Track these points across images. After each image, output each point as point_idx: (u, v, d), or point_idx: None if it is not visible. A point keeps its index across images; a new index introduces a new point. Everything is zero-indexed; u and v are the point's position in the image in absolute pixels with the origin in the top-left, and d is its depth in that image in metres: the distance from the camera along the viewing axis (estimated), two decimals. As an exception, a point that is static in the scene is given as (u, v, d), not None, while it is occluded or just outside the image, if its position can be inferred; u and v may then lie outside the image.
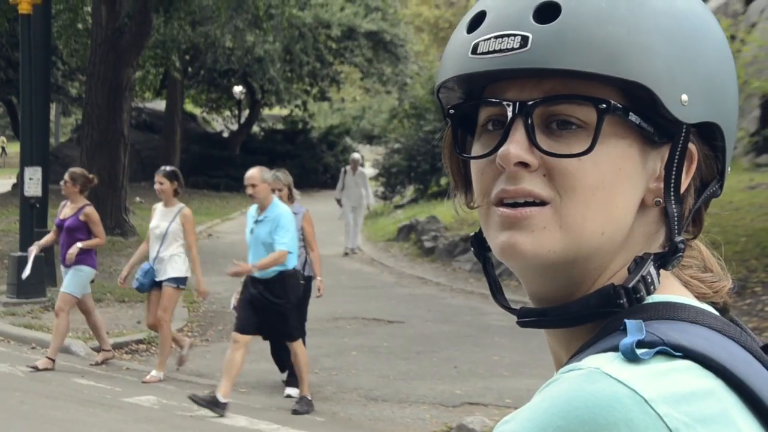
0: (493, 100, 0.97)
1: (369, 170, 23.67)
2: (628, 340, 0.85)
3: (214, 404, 7.49)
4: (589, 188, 0.93)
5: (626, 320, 0.88)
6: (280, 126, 40.33)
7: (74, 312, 11.84)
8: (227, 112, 41.18)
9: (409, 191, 25.87)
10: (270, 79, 33.01)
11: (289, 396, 8.30)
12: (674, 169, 0.96)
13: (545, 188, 0.93)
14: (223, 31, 27.57)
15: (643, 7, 0.93)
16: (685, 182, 0.98)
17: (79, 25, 21.80)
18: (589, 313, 0.94)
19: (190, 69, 34.71)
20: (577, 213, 0.93)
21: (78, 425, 7.35)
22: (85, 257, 9.31)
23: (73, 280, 9.29)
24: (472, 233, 1.08)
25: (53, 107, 36.36)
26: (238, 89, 36.53)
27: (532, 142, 0.93)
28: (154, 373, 8.87)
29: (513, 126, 0.94)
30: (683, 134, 0.95)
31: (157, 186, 8.97)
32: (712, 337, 0.89)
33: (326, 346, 10.42)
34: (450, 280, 15.07)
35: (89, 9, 20.70)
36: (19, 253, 12.24)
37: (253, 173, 7.72)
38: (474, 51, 0.95)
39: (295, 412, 7.75)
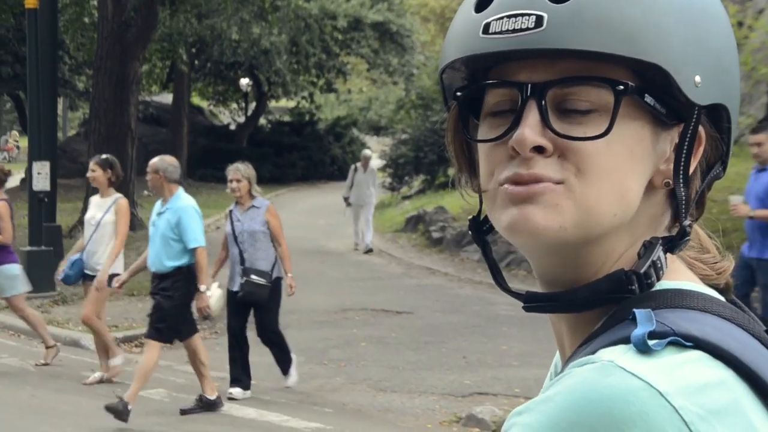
0: (506, 81, 0.95)
1: (376, 161, 23.63)
2: (639, 331, 0.84)
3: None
4: (604, 170, 0.92)
5: (635, 310, 0.88)
6: (287, 118, 40.31)
7: (77, 305, 11.88)
8: (234, 105, 41.17)
9: (417, 182, 25.85)
10: (276, 71, 32.98)
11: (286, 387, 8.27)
12: (684, 151, 0.96)
13: (559, 171, 0.92)
14: (229, 23, 27.54)
15: None
16: (693, 165, 0.97)
17: (86, 19, 21.81)
18: (598, 298, 0.94)
19: (196, 62, 34.69)
20: (591, 193, 0.92)
21: (88, 419, 7.37)
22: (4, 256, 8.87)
23: (6, 284, 8.95)
24: (470, 217, 1.07)
25: (60, 102, 36.39)
26: (244, 82, 36.51)
27: (547, 124, 0.92)
28: (113, 362, 8.50)
29: (526, 108, 0.92)
30: (695, 116, 0.95)
31: (89, 174, 8.51)
32: (721, 325, 0.89)
33: (335, 338, 10.44)
34: (458, 271, 15.08)
35: (95, 3, 20.71)
36: (29, 248, 12.27)
37: (151, 162, 7.47)
38: (485, 31, 0.93)
39: (108, 408, 7.03)
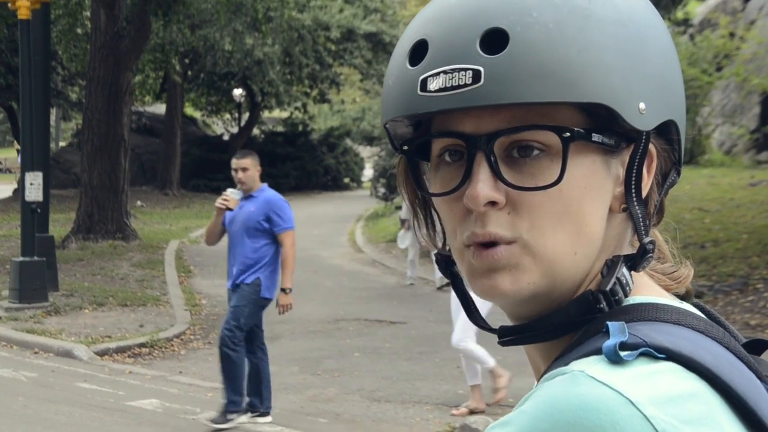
0: (452, 132, 0.93)
1: (368, 171, 23.64)
2: (610, 342, 0.84)
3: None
4: (556, 216, 0.91)
5: (608, 323, 0.87)
6: (280, 128, 40.35)
7: (78, 316, 11.86)
8: (227, 115, 41.19)
9: (410, 192, 25.87)
10: (270, 81, 33.02)
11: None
12: (634, 173, 0.95)
13: (510, 228, 0.91)
14: (222, 34, 27.59)
15: (589, 21, 0.90)
16: (647, 182, 0.97)
17: (79, 30, 21.81)
18: (570, 322, 0.94)
19: (189, 72, 34.72)
20: (547, 243, 0.91)
21: (81, 429, 7.35)
22: None
23: None
24: (434, 252, 1.07)
25: (53, 112, 36.39)
26: (237, 92, 36.54)
27: (498, 176, 0.91)
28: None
29: (476, 162, 0.91)
30: (643, 141, 0.94)
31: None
32: (695, 338, 0.89)
33: (328, 348, 10.43)
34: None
35: (88, 14, 20.71)
36: (21, 258, 12.25)
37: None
38: (423, 88, 0.91)
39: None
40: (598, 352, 0.85)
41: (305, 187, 36.21)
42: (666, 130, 0.97)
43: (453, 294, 7.31)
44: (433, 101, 0.90)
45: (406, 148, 0.99)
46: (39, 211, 12.84)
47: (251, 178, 7.28)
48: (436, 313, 12.51)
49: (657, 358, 0.84)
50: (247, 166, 7.28)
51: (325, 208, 29.29)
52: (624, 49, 0.91)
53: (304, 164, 36.43)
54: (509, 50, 0.87)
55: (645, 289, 0.97)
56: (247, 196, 7.27)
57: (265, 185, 7.37)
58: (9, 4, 13.08)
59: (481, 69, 0.88)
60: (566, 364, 0.86)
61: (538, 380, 1.01)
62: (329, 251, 19.35)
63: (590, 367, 0.82)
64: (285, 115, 40.82)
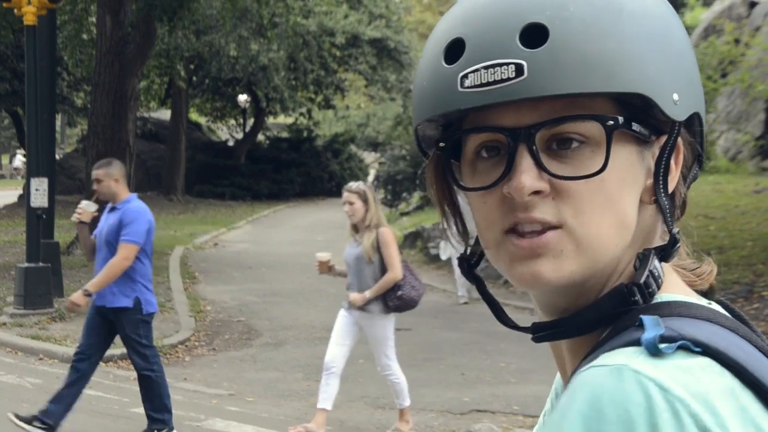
0: (493, 127, 0.94)
1: (369, 178, 23.60)
2: (649, 334, 0.85)
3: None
4: (601, 205, 0.93)
5: (642, 316, 0.89)
6: (284, 134, 40.38)
7: (83, 322, 11.86)
8: (232, 121, 41.25)
9: (415, 198, 25.87)
10: (274, 87, 33.07)
11: None
12: (663, 164, 0.97)
13: (556, 213, 0.93)
14: (227, 39, 27.64)
15: (622, 14, 0.93)
16: (675, 174, 0.99)
17: (84, 36, 21.85)
18: (604, 316, 0.95)
19: (194, 78, 34.77)
20: (591, 231, 0.93)
21: (86, 436, 7.34)
22: None
23: None
24: (458, 256, 1.08)
25: (59, 118, 36.45)
26: (242, 98, 36.59)
27: (541, 167, 0.92)
28: None
29: (518, 154, 0.93)
30: (676, 132, 0.97)
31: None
32: (726, 335, 0.90)
33: (333, 354, 10.41)
34: (456, 287, 15.05)
35: (94, 19, 20.75)
36: (26, 264, 12.25)
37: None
38: (462, 84, 0.92)
39: None
40: (634, 343, 0.86)
41: (310, 193, 36.22)
42: (690, 123, 1.00)
43: (340, 314, 7.31)
44: (476, 96, 0.92)
45: (442, 145, 1.00)
46: (44, 217, 12.86)
47: (107, 189, 6.86)
48: (440, 320, 12.50)
49: (693, 352, 0.85)
50: (100, 178, 6.87)
51: (330, 214, 29.28)
52: (656, 41, 0.94)
53: (309, 170, 36.45)
54: (550, 44, 0.90)
55: (672, 286, 0.98)
56: (112, 208, 6.93)
57: (132, 196, 6.96)
58: (15, 10, 13.12)
59: (524, 63, 0.90)
60: (597, 355, 0.88)
61: (568, 373, 1.03)
62: (334, 258, 19.33)
63: (632, 360, 0.84)
64: (290, 121, 40.86)
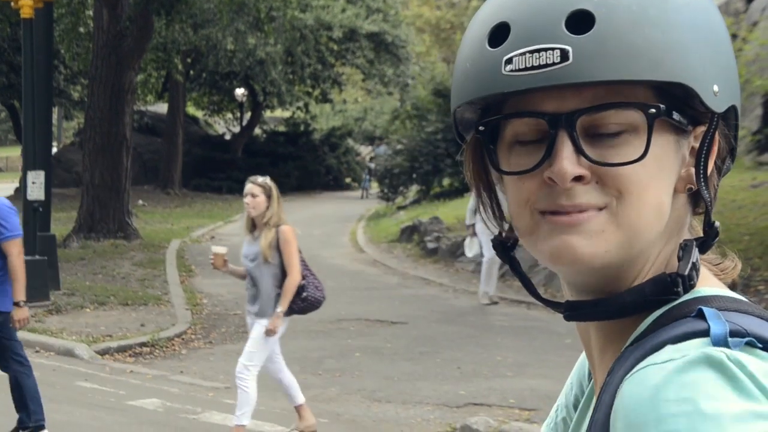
0: (535, 112, 0.94)
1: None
2: (719, 329, 0.86)
3: None
4: (642, 189, 0.93)
5: (702, 308, 0.89)
6: (282, 128, 40.36)
7: (80, 315, 11.86)
8: (229, 115, 41.21)
9: (412, 192, 25.87)
10: (272, 81, 33.03)
11: None
12: (704, 155, 0.98)
13: (601, 196, 0.93)
14: (224, 33, 27.61)
15: (667, 4, 0.93)
16: (710, 166, 0.99)
17: (81, 29, 21.81)
18: (644, 301, 0.95)
19: (191, 72, 34.73)
20: (633, 213, 0.93)
21: (82, 428, 7.36)
22: None
23: None
24: (493, 236, 1.08)
25: (55, 111, 36.40)
26: (239, 92, 36.56)
27: (582, 153, 0.92)
28: None
29: (558, 139, 0.93)
30: (715, 123, 0.97)
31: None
32: None
33: (330, 348, 10.43)
34: (453, 281, 15.07)
35: (91, 13, 20.71)
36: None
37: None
38: (507, 67, 0.92)
39: None
40: (699, 335, 0.86)
41: (307, 187, 36.21)
42: (728, 115, 1.00)
43: (247, 320, 6.90)
44: (519, 80, 0.92)
45: (482, 128, 0.99)
46: (41, 209, 12.85)
47: None
48: (437, 314, 12.51)
49: (756, 347, 0.85)
50: None
51: (327, 208, 29.29)
52: (699, 32, 0.94)
53: (306, 164, 36.44)
54: (596, 30, 0.90)
55: (706, 279, 0.99)
56: None
57: None
58: (12, 3, 13.09)
59: (569, 48, 0.90)
60: (654, 345, 0.88)
61: (593, 363, 1.04)
62: (330, 251, 19.35)
63: (708, 349, 0.84)
64: (287, 114, 40.84)
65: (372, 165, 32.23)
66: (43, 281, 12.17)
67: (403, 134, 26.27)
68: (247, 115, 38.98)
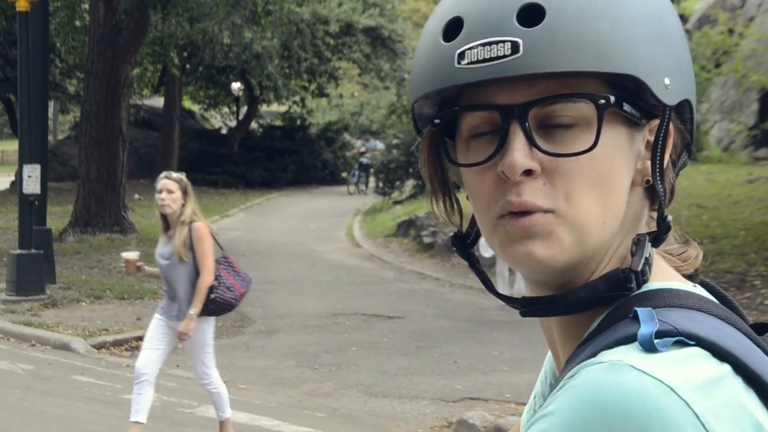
0: (487, 105, 0.96)
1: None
2: (645, 331, 0.87)
3: None
4: (590, 184, 0.94)
5: (637, 309, 0.90)
6: (278, 122, 40.29)
7: (76, 309, 11.86)
8: (225, 109, 41.14)
9: (408, 187, 25.86)
10: (268, 75, 32.98)
11: None
12: (660, 148, 0.98)
13: (547, 198, 0.94)
14: (221, 27, 27.54)
15: None
16: (666, 159, 1.00)
17: (77, 23, 21.77)
18: (597, 297, 0.96)
19: (188, 66, 34.67)
20: (581, 211, 0.94)
21: (78, 422, 7.35)
22: None
23: None
24: (451, 234, 1.10)
25: (51, 105, 36.32)
26: (236, 86, 36.49)
27: (533, 144, 0.93)
28: None
29: (510, 131, 0.94)
30: (667, 116, 0.98)
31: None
32: (718, 325, 0.91)
33: (326, 342, 10.43)
34: (449, 276, 15.07)
35: (87, 6, 20.67)
36: (18, 251, 12.23)
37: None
38: (460, 61, 0.94)
39: None
40: (630, 339, 0.87)
41: (303, 182, 36.16)
42: (681, 109, 1.01)
43: (155, 317, 6.64)
44: (472, 72, 0.93)
45: (437, 121, 1.01)
46: (37, 203, 12.83)
47: None
48: (433, 308, 12.51)
49: (687, 345, 0.87)
50: None
51: (323, 203, 29.27)
52: (650, 25, 0.95)
53: (302, 158, 36.38)
54: (546, 23, 0.91)
55: (661, 272, 0.99)
56: None
57: None
58: (7, -4, 13.05)
59: (520, 41, 0.91)
60: (595, 351, 0.89)
61: (556, 358, 1.06)
62: (327, 246, 19.35)
63: (627, 356, 0.85)
64: (283, 109, 40.77)
65: (363, 160, 32.04)
66: (39, 275, 12.16)
67: (400, 129, 26.24)
68: (244, 110, 38.91)
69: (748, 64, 16.19)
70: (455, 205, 1.08)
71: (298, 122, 38.77)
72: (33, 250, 12.24)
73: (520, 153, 0.93)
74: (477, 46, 0.93)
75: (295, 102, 38.20)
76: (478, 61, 0.92)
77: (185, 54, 32.74)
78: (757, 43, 16.39)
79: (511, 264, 0.97)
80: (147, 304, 12.40)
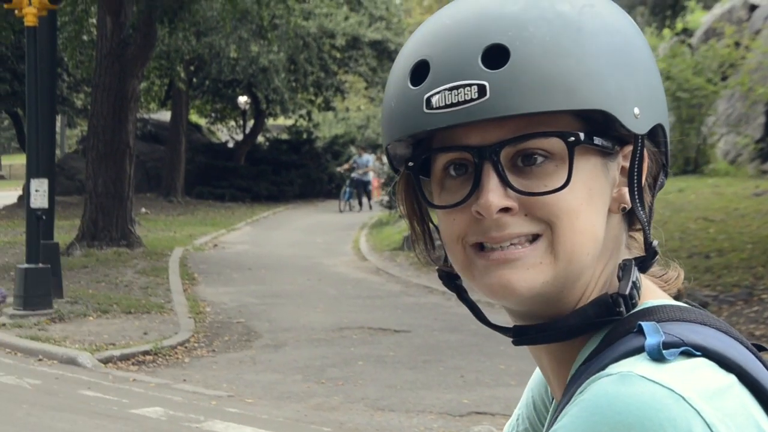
0: (459, 146, 0.96)
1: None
2: (653, 341, 0.88)
3: None
4: (573, 215, 0.95)
5: (641, 323, 0.91)
6: (284, 136, 40.35)
7: (83, 323, 11.86)
8: (232, 123, 41.23)
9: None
10: (275, 89, 33.05)
11: None
12: (636, 177, 0.99)
13: (532, 225, 0.95)
14: (227, 41, 27.64)
15: (581, 33, 0.94)
16: (642, 183, 1.01)
17: (85, 37, 21.86)
18: (587, 323, 0.97)
19: (194, 80, 34.76)
20: (567, 241, 0.95)
21: (85, 437, 7.34)
22: None
23: None
24: (437, 268, 1.10)
25: (59, 119, 36.43)
26: (242, 99, 36.57)
27: (507, 184, 0.94)
28: None
29: (483, 172, 0.94)
30: (639, 145, 0.98)
31: None
32: (721, 337, 0.93)
33: (332, 356, 10.42)
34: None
35: (94, 21, 20.76)
36: (26, 265, 12.25)
37: None
38: (428, 106, 0.94)
39: None
40: (637, 351, 0.89)
41: (309, 195, 36.20)
42: (654, 134, 1.02)
43: None
44: (441, 117, 0.93)
45: (411, 164, 1.01)
46: (44, 218, 12.85)
47: None
48: (440, 322, 12.50)
49: (694, 355, 0.88)
50: None
51: (330, 216, 29.28)
52: (616, 57, 0.95)
53: (309, 172, 36.43)
54: (511, 64, 0.91)
55: (651, 292, 1.01)
56: None
57: None
58: (16, 11, 13.12)
59: (486, 83, 0.91)
60: (602, 365, 0.90)
61: (551, 384, 1.07)
62: (333, 259, 19.35)
63: (637, 367, 0.86)
64: (290, 122, 40.84)
65: (355, 176, 31.63)
66: (46, 289, 12.17)
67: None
68: (250, 123, 38.99)
69: (755, 77, 16.20)
70: (434, 245, 1.09)
71: (305, 136, 38.83)
72: (40, 265, 12.25)
73: (494, 194, 0.94)
74: (444, 90, 0.93)
75: (301, 115, 38.28)
76: (446, 105, 0.93)
77: (192, 68, 32.84)
78: (764, 56, 16.40)
79: (486, 295, 0.98)
80: (154, 318, 12.42)
